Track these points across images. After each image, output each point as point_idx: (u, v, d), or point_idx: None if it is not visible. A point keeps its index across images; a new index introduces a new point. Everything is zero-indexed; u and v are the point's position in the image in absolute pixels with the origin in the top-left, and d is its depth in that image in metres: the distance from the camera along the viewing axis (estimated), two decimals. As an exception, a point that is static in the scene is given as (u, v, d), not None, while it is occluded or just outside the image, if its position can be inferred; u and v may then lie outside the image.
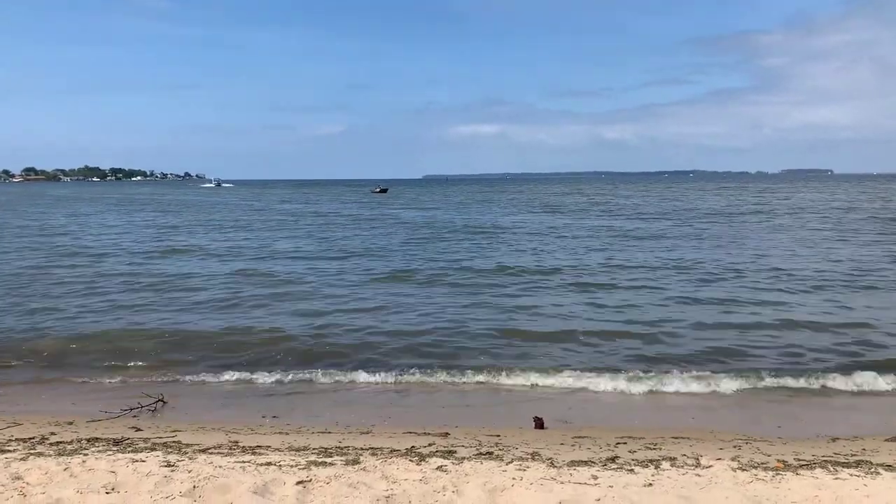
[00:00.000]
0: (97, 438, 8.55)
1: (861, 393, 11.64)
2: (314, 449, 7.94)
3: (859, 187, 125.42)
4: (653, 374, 12.43)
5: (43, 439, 8.56)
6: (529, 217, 56.25)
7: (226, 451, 7.79)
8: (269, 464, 7.00)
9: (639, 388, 11.84)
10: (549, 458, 7.48)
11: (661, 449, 8.27)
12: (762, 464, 7.32)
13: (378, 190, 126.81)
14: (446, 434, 9.30)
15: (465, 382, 12.28)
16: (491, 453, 7.81)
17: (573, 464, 7.21)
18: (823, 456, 7.83)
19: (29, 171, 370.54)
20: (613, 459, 7.53)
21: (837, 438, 9.20)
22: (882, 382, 11.90)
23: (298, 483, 6.31)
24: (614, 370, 12.68)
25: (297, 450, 7.88)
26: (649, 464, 7.27)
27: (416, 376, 12.58)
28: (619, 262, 26.80)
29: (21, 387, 12.34)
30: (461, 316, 17.33)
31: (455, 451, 7.89)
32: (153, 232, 44.68)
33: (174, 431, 9.28)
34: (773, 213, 56.12)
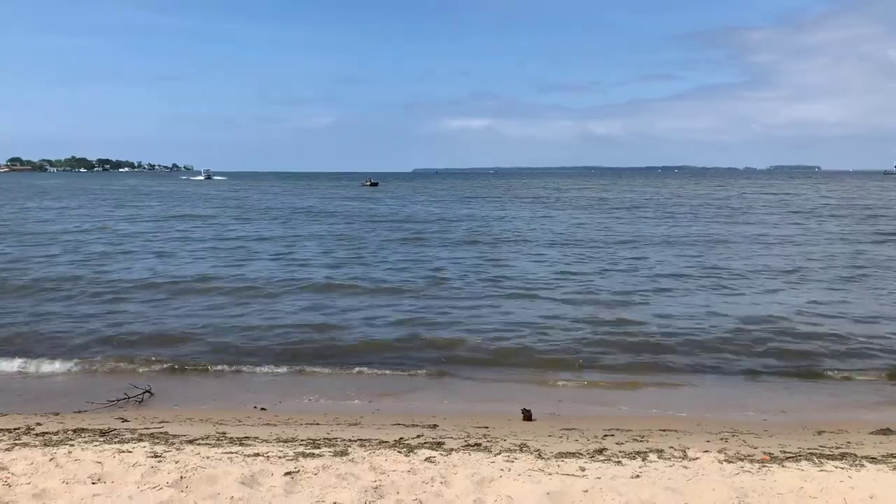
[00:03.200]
0: (83, 429, 8.49)
1: (846, 388, 11.74)
2: (302, 440, 7.92)
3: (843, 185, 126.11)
4: (646, 371, 12.52)
5: (28, 430, 8.49)
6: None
7: (213, 442, 7.75)
8: (256, 455, 6.97)
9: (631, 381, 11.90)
10: (537, 450, 7.49)
11: (648, 441, 8.31)
12: (748, 456, 7.37)
13: (368, 183, 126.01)
14: (435, 425, 9.30)
15: (453, 375, 12.29)
16: (479, 445, 7.82)
17: (561, 455, 7.23)
18: (809, 448, 7.89)
19: (15, 161, 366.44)
20: (601, 451, 7.55)
21: (823, 431, 9.28)
22: (865, 377, 12.03)
23: (286, 474, 6.28)
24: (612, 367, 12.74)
25: (285, 441, 7.86)
26: (637, 456, 7.30)
27: (404, 369, 12.59)
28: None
29: (5, 377, 12.26)
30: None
31: (443, 443, 7.89)
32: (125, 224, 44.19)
33: (161, 422, 9.23)
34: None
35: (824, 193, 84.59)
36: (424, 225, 42.63)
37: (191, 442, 7.68)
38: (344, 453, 7.13)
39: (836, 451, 7.69)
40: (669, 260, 25.94)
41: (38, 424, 8.90)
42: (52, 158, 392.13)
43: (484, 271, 23.38)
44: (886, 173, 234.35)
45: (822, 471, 6.68)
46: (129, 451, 7.02)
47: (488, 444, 7.83)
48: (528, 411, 10.02)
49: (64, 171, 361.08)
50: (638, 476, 6.47)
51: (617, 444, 8.11)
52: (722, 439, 8.55)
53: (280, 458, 6.86)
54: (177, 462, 6.62)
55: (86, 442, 7.60)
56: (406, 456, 7.08)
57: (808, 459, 7.18)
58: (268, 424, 9.30)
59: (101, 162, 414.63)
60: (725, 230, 37.01)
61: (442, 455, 7.14)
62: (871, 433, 9.15)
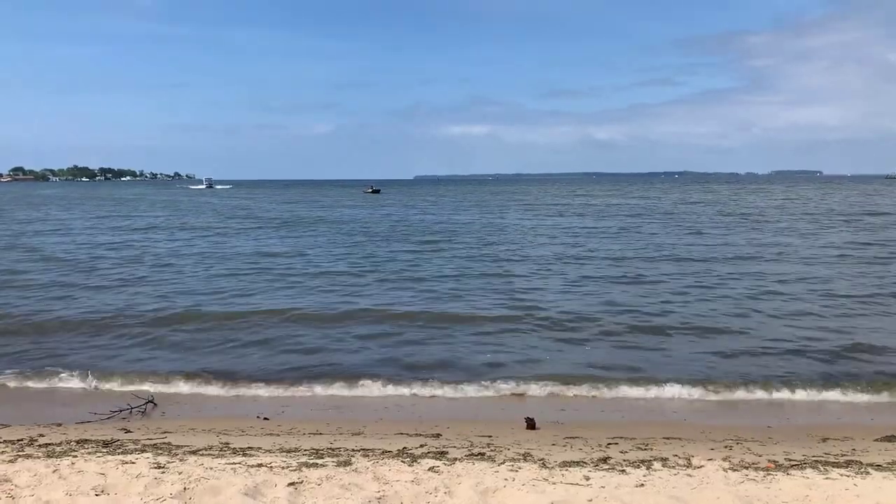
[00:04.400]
0: (86, 440, 8.49)
1: (850, 394, 11.70)
2: (305, 450, 7.91)
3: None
4: (648, 377, 12.49)
5: (31, 441, 8.49)
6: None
7: (216, 452, 7.74)
8: (259, 465, 6.96)
9: (636, 391, 11.89)
10: (541, 459, 7.47)
11: (652, 449, 8.28)
12: (753, 464, 7.34)
13: (370, 190, 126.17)
14: (438, 435, 9.28)
15: (456, 385, 12.27)
16: (483, 454, 7.80)
17: (565, 464, 7.21)
18: (814, 456, 7.86)
19: (17, 170, 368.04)
20: (605, 460, 7.52)
21: (828, 438, 9.25)
22: (868, 383, 12.00)
23: (290, 484, 6.27)
24: (611, 373, 12.72)
25: (289, 451, 7.85)
26: (641, 464, 7.28)
27: (407, 377, 12.57)
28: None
29: (8, 389, 12.26)
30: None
31: (447, 452, 7.87)
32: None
33: (164, 433, 9.22)
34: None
35: (839, 199, 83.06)
36: (432, 235, 41.62)
37: (194, 453, 7.67)
38: (347, 463, 7.12)
39: (842, 459, 7.66)
40: (681, 269, 25.77)
41: (41, 436, 8.89)
42: (55, 168, 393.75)
43: (494, 284, 23.22)
44: (889, 177, 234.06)
45: (827, 478, 6.65)
46: (133, 463, 7.02)
47: (492, 454, 7.81)
48: (532, 420, 9.99)
49: (66, 180, 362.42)
50: (642, 485, 6.45)
51: (621, 452, 8.09)
52: (726, 447, 8.52)
53: (283, 468, 6.85)
54: (180, 473, 6.61)
55: (89, 453, 7.60)
56: (409, 466, 7.06)
57: (813, 467, 7.15)
58: (271, 434, 9.28)
59: (104, 171, 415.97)
60: (742, 240, 36.48)
61: (445, 465, 7.12)
62: (877, 440, 9.11)
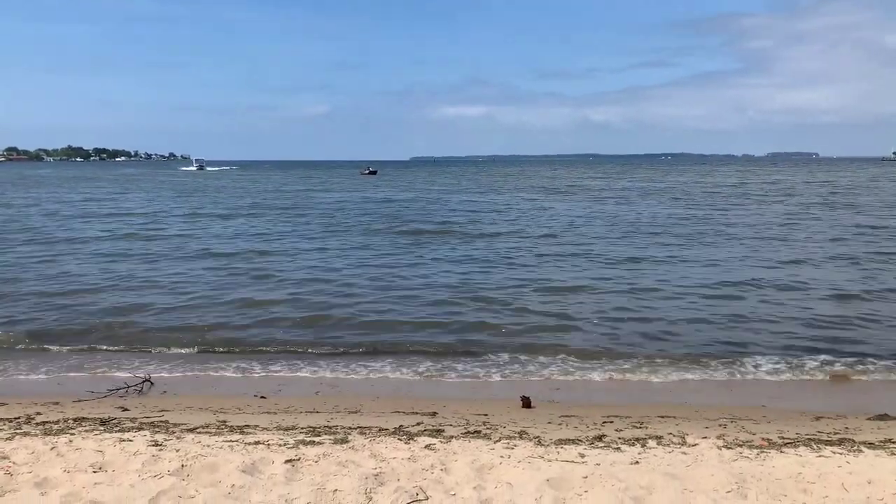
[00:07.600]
0: (84, 418, 8.51)
1: (843, 374, 11.77)
2: (302, 428, 7.95)
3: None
4: (644, 358, 12.57)
5: (29, 419, 8.51)
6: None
7: (214, 430, 7.77)
8: (257, 443, 6.99)
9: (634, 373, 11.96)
10: (537, 437, 7.52)
11: (647, 427, 8.35)
12: (747, 442, 7.40)
13: (367, 172, 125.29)
14: (434, 413, 9.33)
15: (452, 365, 12.32)
16: (479, 432, 7.85)
17: (560, 442, 7.26)
18: (807, 434, 7.93)
19: (11, 150, 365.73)
20: (600, 438, 7.58)
21: (821, 417, 9.32)
22: (861, 364, 12.08)
23: (287, 462, 6.30)
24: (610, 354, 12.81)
25: (286, 429, 7.88)
26: (636, 442, 7.33)
27: (403, 357, 12.61)
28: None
29: (5, 368, 12.26)
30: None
31: (443, 430, 7.92)
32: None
33: (161, 411, 9.25)
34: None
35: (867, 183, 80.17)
36: (441, 229, 37.95)
37: (191, 430, 7.70)
38: (344, 441, 7.15)
39: (834, 437, 7.73)
40: (683, 244, 25.90)
41: (39, 414, 8.92)
42: (49, 148, 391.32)
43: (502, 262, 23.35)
44: (884, 160, 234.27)
45: (820, 456, 6.71)
46: (130, 440, 7.04)
47: (488, 432, 7.86)
48: (528, 398, 10.04)
49: (60, 160, 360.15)
50: (637, 462, 6.50)
51: (616, 430, 8.14)
52: (720, 425, 8.58)
53: (280, 446, 6.88)
54: (178, 450, 6.63)
55: (86, 431, 7.62)
56: (406, 443, 7.11)
57: (806, 445, 7.21)
58: (268, 413, 9.32)
59: (98, 151, 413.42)
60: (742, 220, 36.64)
61: (442, 442, 7.17)
62: (869, 418, 9.19)
